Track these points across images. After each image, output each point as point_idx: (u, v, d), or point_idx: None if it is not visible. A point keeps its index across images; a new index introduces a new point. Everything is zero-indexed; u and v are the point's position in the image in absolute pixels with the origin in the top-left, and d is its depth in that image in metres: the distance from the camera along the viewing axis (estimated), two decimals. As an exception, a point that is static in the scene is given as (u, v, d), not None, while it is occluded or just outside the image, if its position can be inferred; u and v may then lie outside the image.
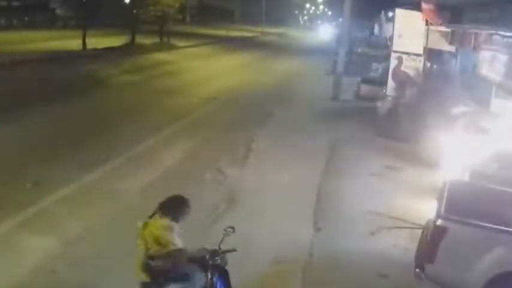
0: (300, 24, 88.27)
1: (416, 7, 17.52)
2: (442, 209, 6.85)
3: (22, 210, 8.53)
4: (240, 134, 14.79)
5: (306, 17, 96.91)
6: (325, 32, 76.24)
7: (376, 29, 52.33)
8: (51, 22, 43.14)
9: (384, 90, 18.53)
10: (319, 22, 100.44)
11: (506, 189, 7.64)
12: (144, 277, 5.08)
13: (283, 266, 7.56)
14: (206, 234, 8.08)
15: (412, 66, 17.50)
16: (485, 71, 13.88)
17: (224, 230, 5.60)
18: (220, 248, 5.37)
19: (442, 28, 16.84)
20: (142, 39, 34.41)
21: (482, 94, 13.97)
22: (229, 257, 5.52)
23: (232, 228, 5.58)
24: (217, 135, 14.70)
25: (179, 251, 4.93)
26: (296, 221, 9.07)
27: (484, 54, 14.08)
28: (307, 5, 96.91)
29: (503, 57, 12.42)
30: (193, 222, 8.67)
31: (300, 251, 7.96)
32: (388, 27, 25.82)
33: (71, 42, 29.44)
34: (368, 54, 35.76)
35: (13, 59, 22.65)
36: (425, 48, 17.47)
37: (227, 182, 11.01)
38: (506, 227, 6.68)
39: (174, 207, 5.33)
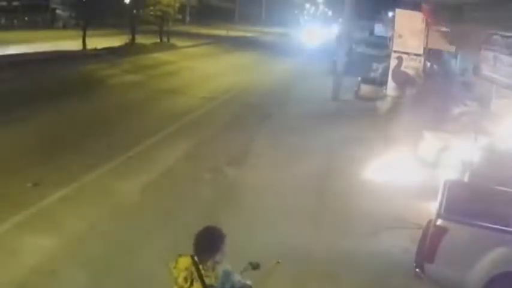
0: (300, 25, 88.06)
1: (416, 7, 17.53)
2: (442, 209, 6.86)
3: (22, 210, 8.53)
4: (240, 134, 14.79)
5: (306, 17, 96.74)
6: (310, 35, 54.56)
7: (377, 29, 52.38)
8: (51, 22, 43.12)
9: (384, 90, 18.54)
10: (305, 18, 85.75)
11: (506, 189, 7.64)
12: None
13: (283, 266, 7.55)
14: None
15: (412, 66, 17.51)
16: (485, 70, 13.87)
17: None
18: None
19: (442, 28, 16.85)
20: (142, 39, 34.41)
21: (482, 94, 13.97)
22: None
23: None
24: (217, 134, 14.70)
25: None
26: (296, 221, 9.07)
27: (484, 54, 14.07)
28: (307, 5, 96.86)
29: (503, 57, 12.42)
30: (192, 223, 8.73)
31: (300, 251, 7.95)
32: (389, 26, 25.82)
33: (71, 42, 29.43)
34: (368, 54, 35.76)
35: (13, 59, 22.64)
36: (425, 48, 17.48)
37: (227, 181, 11.01)
38: (506, 227, 6.68)
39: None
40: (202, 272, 4.15)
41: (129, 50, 31.19)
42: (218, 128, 15.48)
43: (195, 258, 4.20)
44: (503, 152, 10.09)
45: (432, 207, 7.56)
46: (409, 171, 12.03)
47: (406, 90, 16.60)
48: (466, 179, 9.03)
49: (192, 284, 4.13)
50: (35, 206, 8.78)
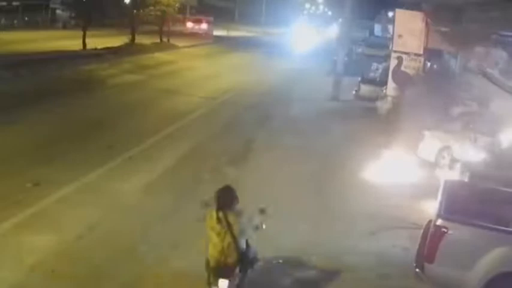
0: (300, 25, 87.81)
1: (416, 7, 17.53)
2: (442, 209, 6.86)
3: (22, 210, 8.53)
4: (240, 134, 14.80)
5: (305, 17, 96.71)
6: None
7: (377, 29, 52.32)
8: (51, 22, 43.07)
9: (384, 90, 18.53)
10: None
11: (506, 189, 7.65)
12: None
13: (283, 267, 7.55)
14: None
15: (412, 66, 17.51)
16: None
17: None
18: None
19: (442, 28, 16.85)
20: (142, 39, 34.39)
21: (482, 94, 13.96)
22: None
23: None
24: (217, 135, 14.70)
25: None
26: (296, 221, 9.07)
27: (484, 54, 14.07)
28: (307, 5, 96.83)
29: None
30: (192, 223, 8.72)
31: (300, 252, 7.95)
32: (389, 26, 25.82)
33: (71, 42, 29.38)
34: (368, 54, 35.68)
35: (13, 59, 22.61)
36: (425, 48, 17.47)
37: (227, 181, 10.97)
38: (506, 227, 6.69)
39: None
40: (231, 219, 5.79)
41: (129, 49, 31.14)
42: (218, 128, 15.47)
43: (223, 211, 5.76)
44: (503, 152, 10.10)
45: (432, 207, 7.57)
46: (409, 171, 12.04)
47: (406, 90, 16.59)
48: (466, 179, 9.03)
49: (226, 232, 5.72)
50: (35, 206, 8.78)
